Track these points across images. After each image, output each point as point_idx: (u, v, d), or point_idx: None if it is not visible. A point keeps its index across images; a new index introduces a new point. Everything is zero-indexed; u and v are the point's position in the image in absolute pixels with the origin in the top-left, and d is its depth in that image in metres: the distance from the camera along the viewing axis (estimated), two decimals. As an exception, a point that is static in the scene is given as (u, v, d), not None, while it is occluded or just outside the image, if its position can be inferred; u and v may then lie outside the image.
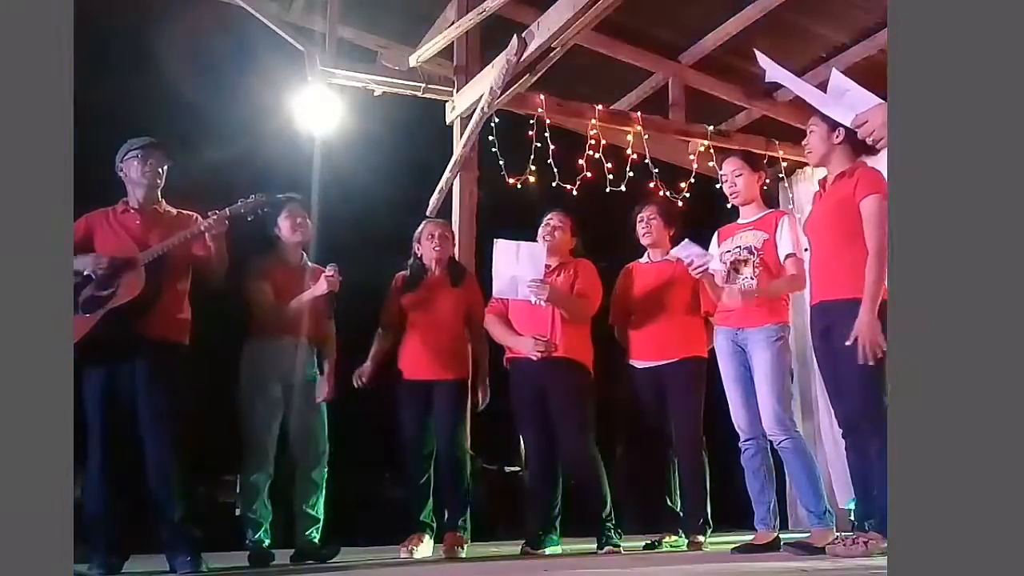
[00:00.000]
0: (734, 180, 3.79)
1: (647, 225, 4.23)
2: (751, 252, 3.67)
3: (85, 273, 3.32)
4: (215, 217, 3.48)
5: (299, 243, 4.03)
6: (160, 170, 3.55)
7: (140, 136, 3.56)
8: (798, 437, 3.58)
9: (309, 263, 4.06)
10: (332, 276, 3.84)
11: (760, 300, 3.60)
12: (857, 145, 3.15)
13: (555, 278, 4.13)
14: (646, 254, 4.31)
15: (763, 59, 2.98)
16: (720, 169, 3.95)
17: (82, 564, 3.21)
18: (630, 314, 4.25)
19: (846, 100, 2.74)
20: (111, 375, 3.35)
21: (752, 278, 3.63)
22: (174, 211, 3.61)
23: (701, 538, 4.03)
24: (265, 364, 3.85)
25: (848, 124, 2.77)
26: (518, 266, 3.96)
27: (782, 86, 4.20)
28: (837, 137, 3.20)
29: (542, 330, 4.06)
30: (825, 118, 3.16)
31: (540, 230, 4.23)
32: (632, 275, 4.30)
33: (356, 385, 4.15)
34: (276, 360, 3.85)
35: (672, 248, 3.99)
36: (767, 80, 2.93)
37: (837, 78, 2.87)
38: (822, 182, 3.36)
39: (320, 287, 3.84)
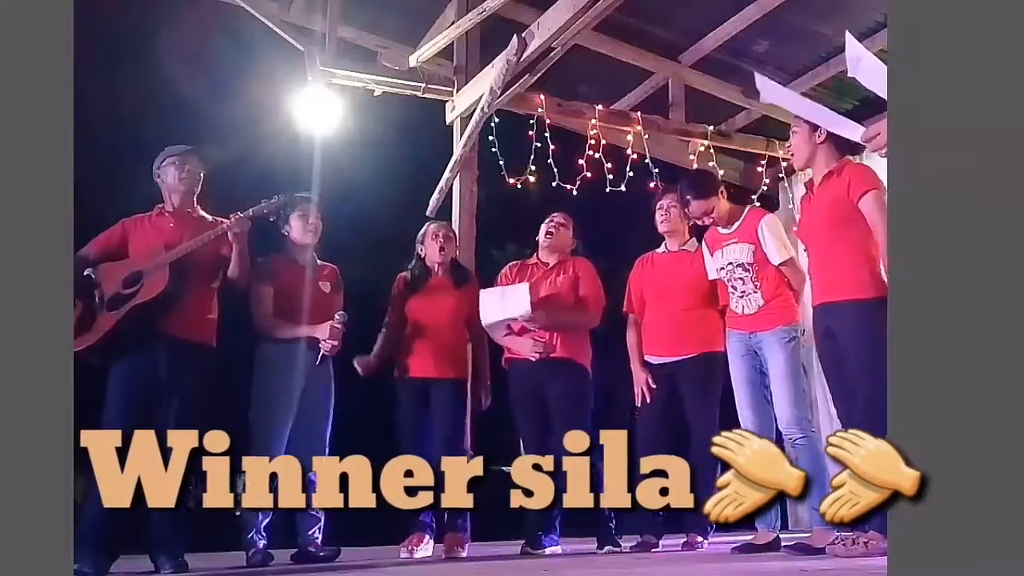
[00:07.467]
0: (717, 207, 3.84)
1: (665, 213, 4.14)
2: (745, 269, 3.69)
3: (85, 273, 3.34)
4: (238, 217, 3.55)
5: (309, 244, 3.98)
6: (197, 176, 3.66)
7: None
8: (814, 436, 3.55)
9: (318, 261, 4.04)
10: (338, 328, 3.79)
11: (771, 304, 3.63)
12: (841, 144, 3.14)
13: (554, 278, 4.13)
14: (664, 244, 4.22)
15: (762, 82, 2.88)
16: (717, 172, 3.97)
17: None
18: (645, 303, 4.17)
19: (861, 68, 2.60)
20: (132, 372, 3.38)
21: (755, 291, 3.65)
22: (209, 217, 3.67)
23: (700, 538, 4.02)
24: (274, 367, 3.82)
25: (858, 139, 2.73)
26: (503, 309, 4.00)
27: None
28: (819, 136, 3.19)
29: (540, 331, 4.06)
30: (808, 119, 3.16)
31: (544, 227, 4.24)
32: (648, 265, 4.22)
33: (359, 371, 4.15)
34: (285, 363, 3.80)
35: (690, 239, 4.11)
36: (761, 101, 2.87)
37: (852, 45, 2.69)
38: (809, 184, 3.32)
39: (321, 331, 3.80)
